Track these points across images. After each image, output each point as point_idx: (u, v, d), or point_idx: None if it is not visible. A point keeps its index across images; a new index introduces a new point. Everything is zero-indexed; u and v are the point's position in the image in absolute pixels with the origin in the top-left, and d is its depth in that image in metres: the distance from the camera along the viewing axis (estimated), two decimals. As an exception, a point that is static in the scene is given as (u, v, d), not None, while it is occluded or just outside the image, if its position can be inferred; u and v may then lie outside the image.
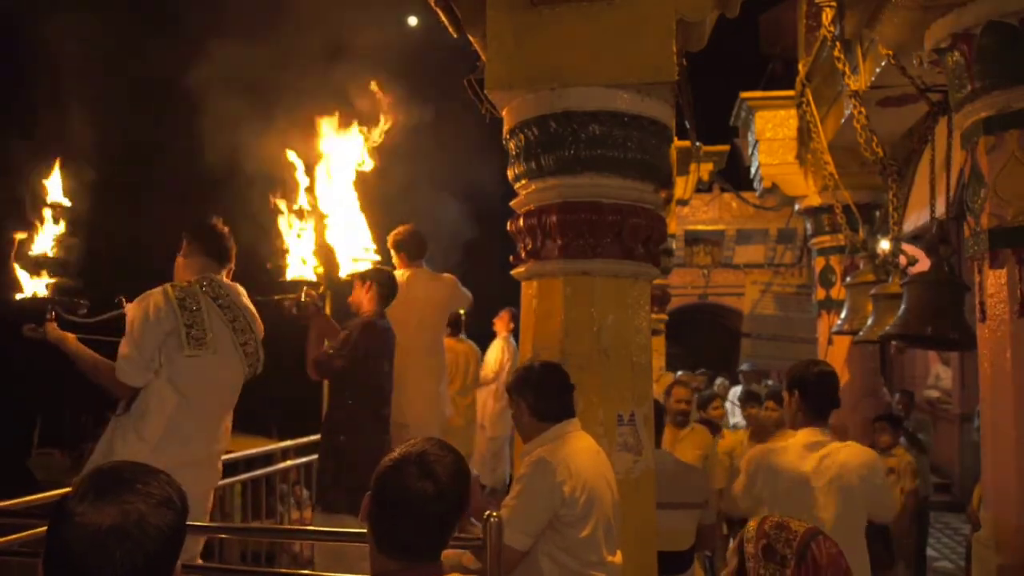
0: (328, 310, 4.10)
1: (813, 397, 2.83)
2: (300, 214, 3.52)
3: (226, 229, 3.05)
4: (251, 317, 2.97)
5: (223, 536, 3.99)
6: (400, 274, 4.40)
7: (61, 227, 2.98)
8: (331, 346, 3.51)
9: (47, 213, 2.96)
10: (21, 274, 2.90)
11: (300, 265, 3.50)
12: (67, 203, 3.01)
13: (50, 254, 2.93)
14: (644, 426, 2.65)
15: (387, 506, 1.46)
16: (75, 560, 1.09)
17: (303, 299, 3.40)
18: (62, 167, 3.02)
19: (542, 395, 2.43)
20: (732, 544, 1.60)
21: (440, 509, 1.46)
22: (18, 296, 2.87)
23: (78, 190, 3.06)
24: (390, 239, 4.48)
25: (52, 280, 2.89)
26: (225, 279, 2.97)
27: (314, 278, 3.51)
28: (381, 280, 3.74)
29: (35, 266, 2.90)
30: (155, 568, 1.13)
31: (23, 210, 2.95)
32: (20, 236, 2.93)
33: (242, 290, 3.03)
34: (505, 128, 2.83)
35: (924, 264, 4.26)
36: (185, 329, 2.72)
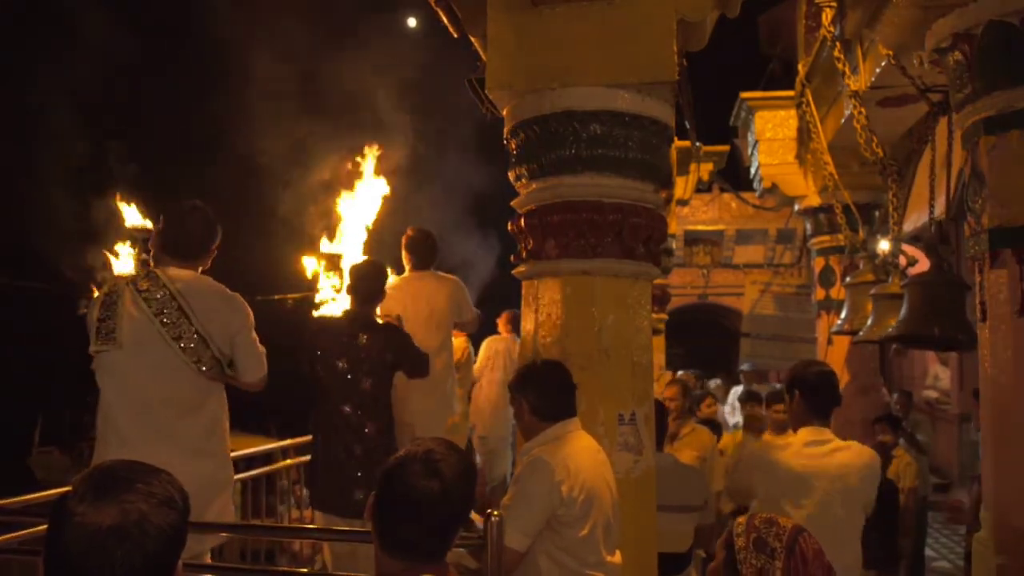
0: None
1: (813, 396, 2.84)
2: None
3: (187, 221, 2.84)
4: (196, 311, 2.71)
5: (223, 534, 3.99)
6: (407, 275, 4.40)
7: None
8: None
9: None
10: None
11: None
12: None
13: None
14: (645, 426, 2.64)
15: (391, 505, 1.45)
16: (75, 560, 1.09)
17: None
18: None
19: (543, 394, 2.43)
20: (720, 538, 1.62)
21: (445, 509, 1.45)
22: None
23: None
24: (404, 240, 4.48)
25: None
26: (179, 271, 2.78)
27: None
28: (359, 281, 3.74)
29: None
30: (156, 568, 1.13)
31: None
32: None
33: (203, 281, 2.82)
34: (506, 128, 2.83)
35: (924, 264, 4.26)
36: (97, 324, 2.68)
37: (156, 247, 2.86)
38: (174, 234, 2.82)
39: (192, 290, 2.76)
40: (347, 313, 3.74)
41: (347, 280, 3.74)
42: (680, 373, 7.90)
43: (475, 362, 6.50)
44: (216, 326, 2.75)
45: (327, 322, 3.70)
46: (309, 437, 4.83)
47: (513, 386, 2.50)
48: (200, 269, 2.88)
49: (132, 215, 3.97)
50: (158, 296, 2.71)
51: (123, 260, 3.66)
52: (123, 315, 2.68)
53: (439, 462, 1.44)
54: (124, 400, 2.68)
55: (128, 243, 3.74)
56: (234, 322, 2.80)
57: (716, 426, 5.85)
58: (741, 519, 1.59)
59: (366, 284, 3.73)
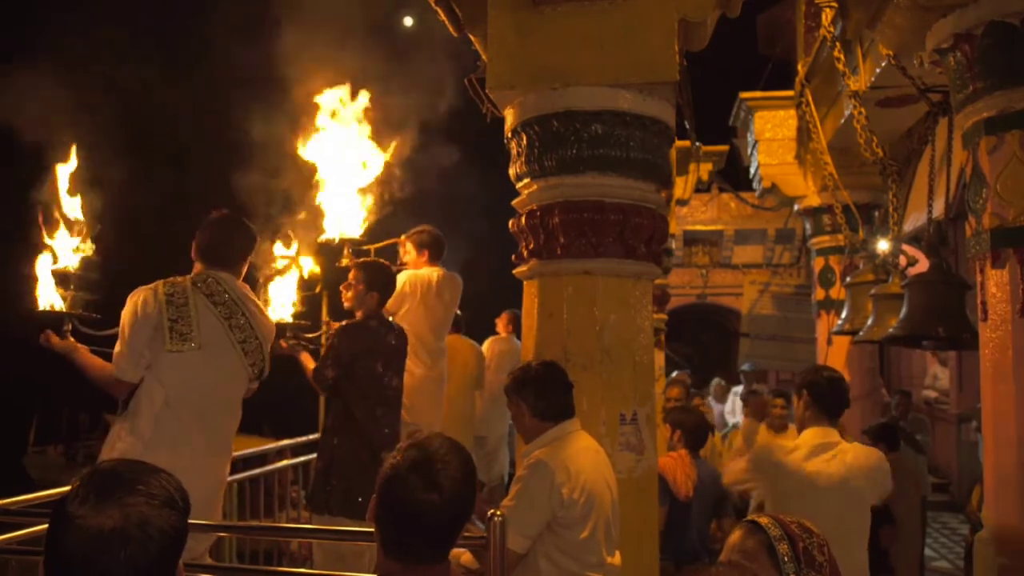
0: (324, 309, 4.10)
1: (823, 397, 2.87)
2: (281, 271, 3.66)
3: (226, 227, 2.91)
4: (253, 316, 2.87)
5: (222, 535, 3.98)
6: (424, 272, 4.36)
7: (79, 240, 3.00)
8: (321, 358, 3.56)
9: (64, 225, 2.97)
10: (42, 286, 2.93)
11: (279, 308, 3.57)
12: (80, 217, 3.00)
13: (70, 268, 2.96)
14: (646, 425, 2.64)
15: (391, 514, 1.44)
16: (77, 563, 1.08)
17: (284, 344, 3.51)
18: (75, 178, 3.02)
19: (542, 395, 2.42)
20: (737, 537, 1.49)
21: (446, 517, 1.43)
22: (40, 308, 2.91)
23: (95, 203, 3.08)
24: (413, 236, 4.46)
25: (70, 293, 2.93)
26: (230, 277, 2.88)
27: (290, 319, 3.63)
28: (383, 285, 3.71)
29: (57, 280, 2.93)
30: (159, 569, 1.13)
31: (41, 220, 2.97)
32: (42, 248, 2.94)
33: (248, 290, 2.95)
34: (507, 128, 2.83)
35: (924, 264, 4.27)
36: (169, 323, 2.67)
37: (197, 255, 2.89)
38: (215, 243, 2.88)
39: (246, 297, 2.87)
40: (369, 315, 3.67)
41: (364, 281, 3.67)
42: (675, 374, 7.91)
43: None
44: (264, 332, 2.89)
45: (361, 325, 3.64)
46: (309, 437, 4.87)
47: (510, 389, 2.48)
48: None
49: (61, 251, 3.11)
50: (224, 299, 2.78)
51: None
52: (197, 317, 2.71)
53: (439, 472, 1.41)
54: (193, 401, 2.71)
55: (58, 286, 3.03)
56: (271, 330, 2.96)
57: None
58: (765, 519, 1.49)
59: (390, 286, 3.77)
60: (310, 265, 4.22)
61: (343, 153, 3.95)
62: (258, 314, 2.90)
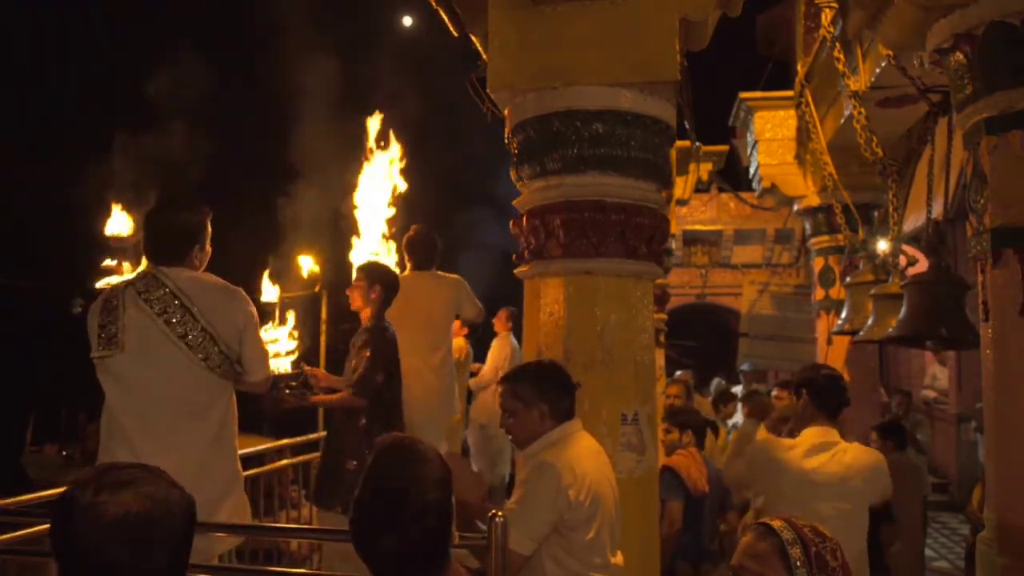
0: (324, 313, 4.11)
1: (822, 396, 2.87)
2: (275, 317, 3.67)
3: (160, 220, 2.74)
4: (201, 308, 2.65)
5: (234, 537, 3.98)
6: (407, 274, 4.40)
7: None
8: (358, 365, 3.55)
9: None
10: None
11: (275, 360, 3.48)
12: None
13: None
14: (648, 426, 2.64)
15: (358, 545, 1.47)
16: (93, 550, 1.09)
17: (287, 394, 3.45)
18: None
19: (562, 396, 2.37)
20: (749, 541, 1.47)
21: (413, 552, 1.43)
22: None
23: None
24: (404, 239, 4.48)
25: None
26: (176, 270, 2.70)
27: (289, 368, 3.58)
28: (386, 283, 3.73)
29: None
30: (181, 551, 1.16)
31: None
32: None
33: (204, 278, 2.75)
34: (507, 127, 2.83)
35: (924, 264, 4.27)
36: (98, 329, 2.61)
37: (145, 252, 2.77)
38: (157, 236, 2.73)
39: (194, 287, 2.69)
40: (376, 314, 3.71)
41: (366, 279, 3.72)
42: (679, 373, 7.92)
43: (472, 362, 6.51)
44: (221, 322, 2.68)
45: (385, 328, 3.70)
46: (308, 437, 4.87)
47: (527, 389, 2.39)
48: (200, 268, 2.80)
49: (117, 222, 3.69)
50: (159, 295, 2.64)
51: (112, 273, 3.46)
52: (125, 318, 2.62)
53: (408, 504, 1.42)
54: (129, 404, 2.62)
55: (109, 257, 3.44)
56: (239, 317, 2.72)
57: (714, 425, 5.89)
58: (777, 522, 1.46)
59: (392, 284, 3.78)
60: (309, 264, 4.23)
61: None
62: (208, 303, 2.68)
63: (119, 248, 3.58)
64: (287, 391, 3.44)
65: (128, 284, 2.71)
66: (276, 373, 3.36)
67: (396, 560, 1.43)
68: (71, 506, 1.11)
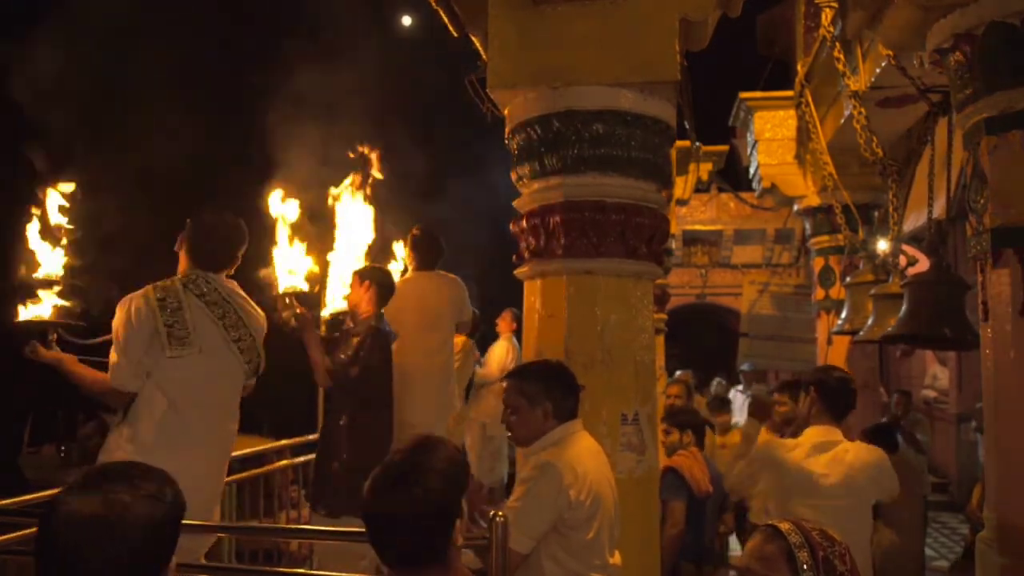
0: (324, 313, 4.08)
1: (831, 397, 2.88)
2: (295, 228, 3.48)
3: (219, 227, 2.86)
4: (245, 312, 2.83)
5: (221, 535, 3.97)
6: (409, 275, 4.39)
7: (62, 250, 2.96)
8: (343, 352, 3.50)
9: (49, 234, 2.94)
10: (25, 295, 2.90)
11: (289, 276, 3.41)
12: (66, 224, 2.97)
13: (53, 276, 2.92)
14: (648, 425, 2.64)
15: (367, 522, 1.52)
16: (59, 548, 1.11)
17: (297, 311, 3.36)
18: (59, 186, 2.99)
19: (568, 395, 2.37)
20: (756, 543, 1.45)
21: (424, 530, 1.48)
22: (22, 317, 2.86)
23: (79, 210, 3.04)
24: (408, 239, 4.47)
25: (55, 303, 2.89)
26: (218, 276, 2.83)
27: (305, 287, 3.46)
28: (380, 281, 3.73)
29: (39, 288, 2.89)
30: (140, 561, 1.14)
31: (24, 228, 2.93)
32: (25, 256, 2.91)
33: (235, 286, 2.90)
34: (507, 127, 2.83)
35: (924, 264, 4.26)
36: (166, 329, 2.63)
37: (187, 255, 2.84)
38: (210, 245, 2.83)
39: (235, 294, 2.84)
40: (373, 314, 3.69)
41: (362, 278, 3.69)
42: (679, 373, 7.91)
43: (477, 362, 6.51)
44: (257, 330, 2.85)
45: (385, 332, 3.69)
46: (308, 437, 4.86)
47: (534, 388, 2.38)
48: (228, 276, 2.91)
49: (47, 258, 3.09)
50: (214, 299, 2.75)
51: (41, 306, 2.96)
52: (192, 320, 2.68)
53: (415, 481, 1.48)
54: (197, 405, 2.68)
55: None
56: (264, 326, 2.92)
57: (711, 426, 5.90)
58: (785, 525, 1.44)
59: (387, 284, 3.78)
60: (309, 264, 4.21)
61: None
62: (249, 309, 2.87)
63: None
64: (297, 311, 3.37)
65: (184, 285, 2.75)
66: (293, 290, 3.37)
67: (399, 543, 1.47)
68: (52, 507, 1.13)
